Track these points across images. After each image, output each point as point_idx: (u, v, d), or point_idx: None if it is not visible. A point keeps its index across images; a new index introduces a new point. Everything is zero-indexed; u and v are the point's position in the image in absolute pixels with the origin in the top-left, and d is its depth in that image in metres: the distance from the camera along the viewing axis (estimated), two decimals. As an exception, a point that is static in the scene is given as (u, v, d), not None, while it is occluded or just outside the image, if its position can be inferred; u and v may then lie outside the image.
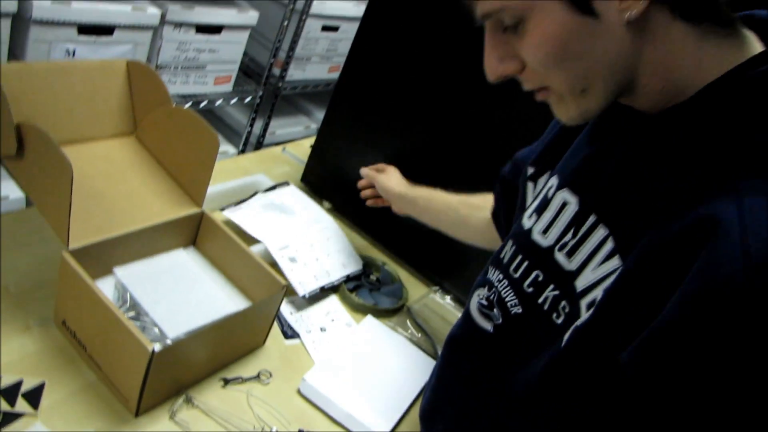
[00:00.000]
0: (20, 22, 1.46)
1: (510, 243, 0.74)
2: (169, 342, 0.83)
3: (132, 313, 0.95)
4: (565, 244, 0.65)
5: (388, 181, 1.24)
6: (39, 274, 1.01)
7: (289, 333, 1.13)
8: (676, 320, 0.49)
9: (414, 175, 1.27)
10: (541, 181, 0.78)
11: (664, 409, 0.51)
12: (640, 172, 0.59)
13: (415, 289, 1.38)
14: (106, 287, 0.97)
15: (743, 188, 0.49)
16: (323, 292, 1.24)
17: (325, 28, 2.29)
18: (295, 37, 2.19)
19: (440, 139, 1.32)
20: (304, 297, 1.18)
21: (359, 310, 1.25)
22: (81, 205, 0.96)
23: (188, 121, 1.07)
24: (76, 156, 1.07)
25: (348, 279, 1.29)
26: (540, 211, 0.70)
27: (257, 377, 1.01)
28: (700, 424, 0.50)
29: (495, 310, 0.74)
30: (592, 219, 0.62)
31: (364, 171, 1.30)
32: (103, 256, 0.97)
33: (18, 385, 0.84)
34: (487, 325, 0.74)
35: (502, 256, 0.75)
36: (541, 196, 0.73)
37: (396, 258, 1.45)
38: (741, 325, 0.46)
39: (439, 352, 0.89)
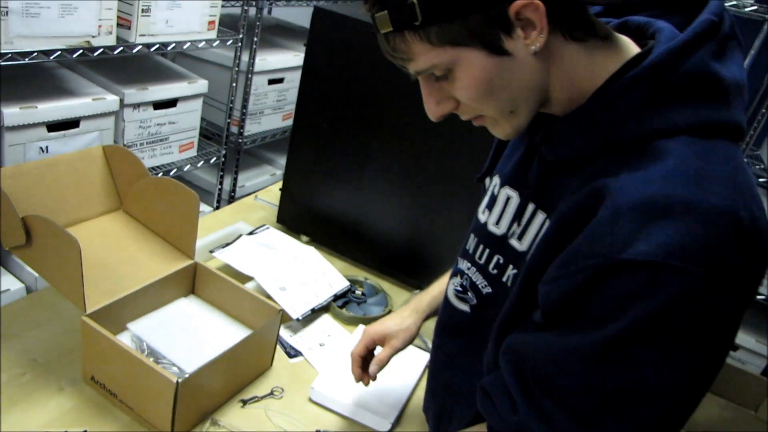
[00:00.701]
0: (-5, 131, 1.60)
1: (472, 236, 0.88)
2: (187, 374, 0.96)
3: (151, 359, 1.08)
4: (514, 231, 0.79)
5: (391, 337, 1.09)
6: (61, 344, 1.14)
7: (292, 353, 1.26)
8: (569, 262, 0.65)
9: (379, 191, 1.42)
10: (488, 181, 0.92)
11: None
12: (557, 163, 0.73)
13: (398, 295, 1.52)
14: (123, 342, 1.10)
15: (616, 170, 0.64)
16: (315, 313, 1.37)
17: (271, 82, 2.46)
18: (245, 95, 2.36)
19: (393, 155, 1.48)
20: (298, 319, 1.31)
21: (351, 322, 1.39)
22: (89, 275, 1.10)
23: (167, 187, 1.21)
24: (75, 236, 1.21)
25: (336, 297, 1.43)
26: (490, 206, 0.85)
27: (271, 394, 1.14)
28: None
29: (469, 293, 0.87)
30: (531, 207, 0.76)
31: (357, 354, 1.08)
32: (117, 315, 1.10)
33: (65, 437, 0.96)
34: (465, 307, 0.88)
35: (467, 247, 0.89)
36: (489, 193, 0.87)
37: (376, 272, 1.59)
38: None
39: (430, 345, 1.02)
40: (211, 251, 1.44)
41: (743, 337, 2.20)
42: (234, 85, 2.30)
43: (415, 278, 1.55)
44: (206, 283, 1.25)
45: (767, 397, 1.76)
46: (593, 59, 0.68)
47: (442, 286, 1.09)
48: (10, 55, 1.50)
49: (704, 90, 0.64)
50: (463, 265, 0.89)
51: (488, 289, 0.84)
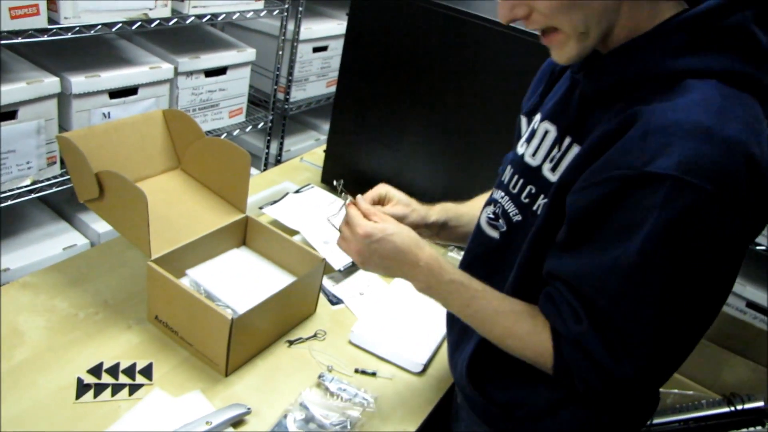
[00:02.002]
0: (63, 98, 1.74)
1: (509, 167, 0.96)
2: (240, 314, 1.08)
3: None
4: (549, 161, 0.86)
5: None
6: (127, 289, 1.27)
7: (334, 300, 1.37)
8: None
9: (416, 154, 1.50)
10: (524, 121, 1.00)
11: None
12: (595, 96, 0.80)
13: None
14: (184, 286, 1.23)
15: (649, 100, 0.72)
16: (355, 266, 1.48)
17: (316, 50, 2.55)
18: (291, 63, 2.46)
19: (430, 120, 1.56)
20: (340, 270, 1.42)
21: (388, 275, 1.49)
22: (152, 226, 1.22)
23: (221, 147, 1.32)
24: (138, 191, 1.34)
25: (374, 252, 1.53)
26: (529, 140, 0.92)
27: (314, 336, 1.26)
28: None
29: (500, 220, 0.95)
30: (567, 141, 0.84)
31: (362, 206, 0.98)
32: (177, 262, 1.22)
33: (133, 366, 1.10)
34: (495, 234, 0.95)
35: (503, 178, 0.97)
36: (529, 128, 0.95)
37: (413, 230, 1.68)
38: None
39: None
40: (261, 207, 1.55)
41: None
42: (280, 53, 2.40)
43: (451, 236, 1.64)
44: (256, 235, 1.36)
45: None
46: (658, 5, 0.75)
47: (461, 208, 1.14)
48: (77, 28, 1.63)
49: (741, 47, 0.72)
50: (497, 194, 0.97)
51: (518, 217, 0.91)
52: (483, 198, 1.11)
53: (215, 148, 1.34)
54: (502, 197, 0.95)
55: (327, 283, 1.42)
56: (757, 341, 1.88)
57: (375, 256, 0.91)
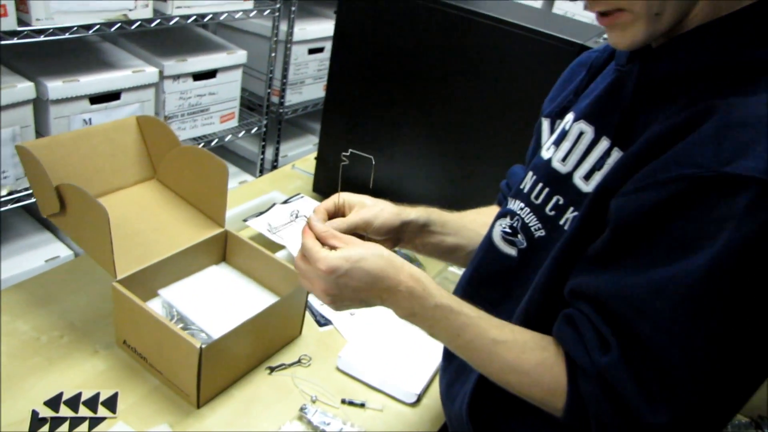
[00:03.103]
0: (40, 104, 1.65)
1: (530, 174, 0.83)
2: (214, 338, 0.98)
3: (181, 325, 1.10)
4: (582, 168, 0.73)
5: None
6: (97, 309, 1.17)
7: (322, 321, 1.27)
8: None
9: (411, 160, 1.40)
10: (545, 123, 0.88)
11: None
12: (653, 87, 0.68)
13: (432, 265, 1.50)
14: (155, 308, 1.13)
15: (725, 93, 0.60)
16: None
17: (311, 51, 2.45)
18: (285, 65, 2.36)
19: (425, 124, 1.46)
20: (328, 288, 1.32)
21: (381, 291, 1.39)
22: (122, 243, 1.12)
23: (197, 156, 1.22)
24: (109, 204, 1.23)
25: (367, 267, 1.42)
26: (558, 142, 0.79)
27: (299, 362, 1.15)
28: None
29: (519, 236, 0.81)
30: (605, 143, 0.71)
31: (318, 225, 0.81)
32: (148, 281, 1.12)
33: (96, 396, 1.00)
34: (512, 251, 0.82)
35: (522, 186, 0.84)
36: (558, 130, 0.82)
37: (409, 242, 1.58)
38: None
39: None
40: (245, 220, 1.45)
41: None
42: (273, 55, 2.30)
43: (449, 248, 1.53)
44: (237, 251, 1.26)
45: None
46: None
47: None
48: (51, 30, 1.54)
49: None
50: (515, 205, 0.83)
51: (541, 233, 0.78)
52: (477, 213, 1.00)
53: (192, 158, 1.24)
54: (522, 209, 0.82)
55: (315, 300, 1.32)
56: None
57: (347, 290, 0.75)
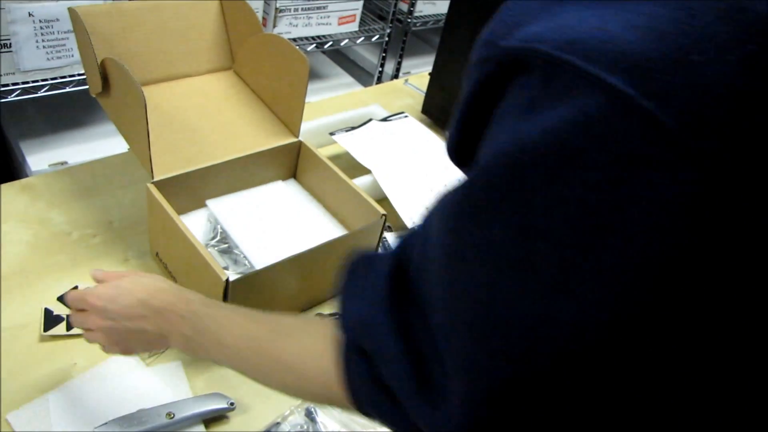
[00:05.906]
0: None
1: None
2: (253, 269, 0.79)
3: (224, 246, 0.92)
4: None
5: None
6: (141, 210, 1.02)
7: (396, 267, 1.05)
8: None
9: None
10: None
11: None
12: None
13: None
14: (198, 220, 0.96)
15: None
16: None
17: (453, -46, 2.13)
18: (420, -34, 2.07)
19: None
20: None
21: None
22: (170, 138, 0.95)
23: (278, 47, 1.01)
24: (169, 92, 1.06)
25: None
26: None
27: (356, 312, 0.95)
28: None
29: None
30: None
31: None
32: (197, 188, 0.95)
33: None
34: None
35: None
36: None
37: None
38: None
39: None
40: (332, 133, 1.24)
41: None
42: (408, -48, 2.02)
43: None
44: (310, 168, 1.05)
45: None
46: None
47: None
48: None
49: None
50: None
51: None
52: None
53: (270, 47, 1.03)
54: None
55: (393, 241, 1.09)
56: None
57: (121, 321, 0.64)
